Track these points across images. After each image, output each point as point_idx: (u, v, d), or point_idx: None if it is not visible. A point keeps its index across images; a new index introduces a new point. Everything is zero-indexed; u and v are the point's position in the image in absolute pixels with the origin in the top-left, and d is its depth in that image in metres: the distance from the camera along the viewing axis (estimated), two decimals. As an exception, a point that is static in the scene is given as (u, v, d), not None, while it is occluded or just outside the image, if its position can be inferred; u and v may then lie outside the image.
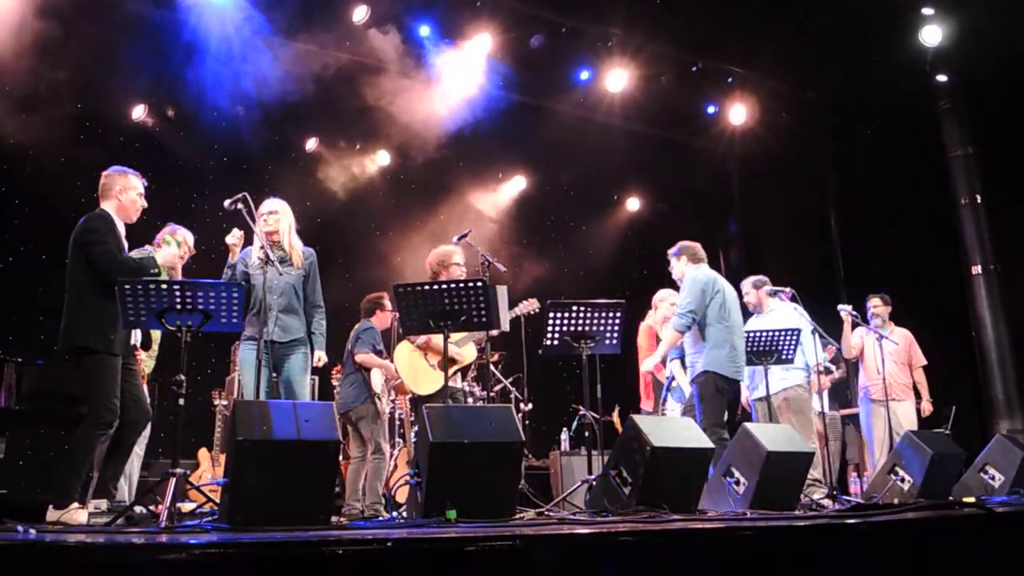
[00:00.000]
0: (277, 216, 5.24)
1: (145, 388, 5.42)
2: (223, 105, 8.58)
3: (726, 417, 5.80)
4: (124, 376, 4.53)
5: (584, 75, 10.07)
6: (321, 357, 5.21)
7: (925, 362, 7.52)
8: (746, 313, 7.12)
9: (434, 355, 5.81)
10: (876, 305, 7.57)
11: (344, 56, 9.00)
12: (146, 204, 4.86)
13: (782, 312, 6.82)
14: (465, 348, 5.73)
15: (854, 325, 7.48)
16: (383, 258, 9.50)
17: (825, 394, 7.28)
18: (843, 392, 7.82)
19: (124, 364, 4.56)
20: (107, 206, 4.68)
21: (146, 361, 5.56)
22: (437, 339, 5.61)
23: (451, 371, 5.70)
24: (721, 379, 5.78)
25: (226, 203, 4.94)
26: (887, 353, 7.28)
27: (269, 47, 8.34)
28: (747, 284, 7.08)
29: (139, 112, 8.66)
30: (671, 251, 6.41)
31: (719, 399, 5.75)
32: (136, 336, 4.94)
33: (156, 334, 5.44)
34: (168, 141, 8.63)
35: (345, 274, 9.24)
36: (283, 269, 5.10)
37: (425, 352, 5.88)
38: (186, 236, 5.42)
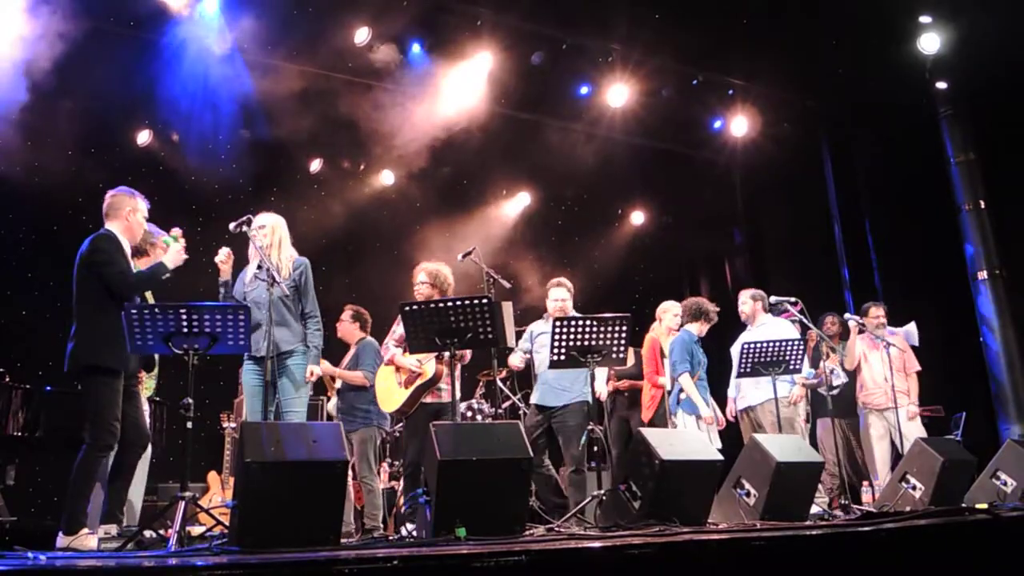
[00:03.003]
0: (265, 231, 5.27)
1: (146, 410, 5.44)
2: (227, 128, 8.66)
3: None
4: (126, 398, 4.54)
5: (585, 91, 10.10)
6: (312, 371, 5.07)
7: (919, 368, 7.48)
8: (740, 325, 7.13)
9: (402, 373, 5.86)
10: (881, 314, 7.56)
11: (347, 77, 9.07)
12: (147, 227, 4.91)
13: (774, 325, 6.83)
14: (426, 364, 5.76)
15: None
16: (388, 276, 9.52)
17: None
18: (849, 402, 7.77)
19: (127, 386, 4.57)
20: (113, 226, 4.70)
21: (146, 382, 5.56)
22: (400, 357, 5.81)
23: (412, 387, 5.73)
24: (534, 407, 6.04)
25: (231, 225, 4.98)
26: (883, 360, 7.29)
27: (273, 69, 8.42)
28: (746, 295, 7.07)
29: (144, 137, 8.73)
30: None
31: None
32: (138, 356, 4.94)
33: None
34: (173, 165, 8.69)
35: (352, 293, 9.26)
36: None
37: (397, 370, 5.91)
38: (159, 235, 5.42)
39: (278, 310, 5.09)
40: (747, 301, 7.01)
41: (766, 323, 6.90)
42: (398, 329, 6.02)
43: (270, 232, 5.26)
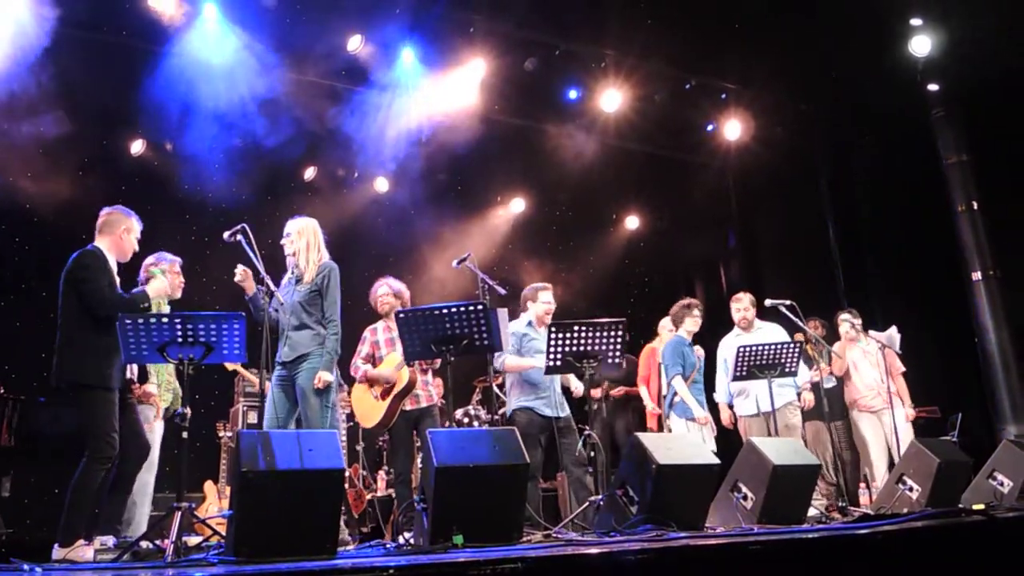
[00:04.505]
0: (291, 237, 5.31)
1: (161, 423, 5.44)
2: (221, 137, 8.65)
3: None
4: (121, 410, 4.53)
5: (578, 95, 10.10)
6: (320, 377, 5.03)
7: (904, 369, 7.51)
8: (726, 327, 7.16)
9: (377, 387, 5.86)
10: (858, 319, 7.62)
11: (340, 85, 9.07)
12: (137, 248, 4.91)
13: (770, 330, 6.85)
14: (401, 371, 5.79)
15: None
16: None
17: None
18: (838, 405, 7.79)
19: (121, 398, 4.57)
20: (103, 242, 4.70)
21: (164, 395, 5.53)
22: (372, 371, 5.90)
23: (389, 398, 5.74)
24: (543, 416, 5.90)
25: (225, 235, 4.98)
26: (872, 364, 7.31)
27: (265, 77, 8.41)
28: (747, 299, 7.06)
29: (138, 147, 8.72)
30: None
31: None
32: (132, 370, 4.94)
33: (156, 367, 5.43)
34: (167, 175, 8.67)
35: (347, 301, 9.22)
36: (294, 288, 5.18)
37: (370, 385, 5.91)
38: (172, 263, 5.43)
39: (297, 314, 5.12)
40: (749, 308, 7.00)
41: (762, 328, 6.93)
42: (363, 348, 6.06)
43: (296, 238, 5.30)
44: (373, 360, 6.02)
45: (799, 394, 6.80)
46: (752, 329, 6.96)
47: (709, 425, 6.54)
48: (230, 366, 6.57)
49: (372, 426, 5.93)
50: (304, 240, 5.30)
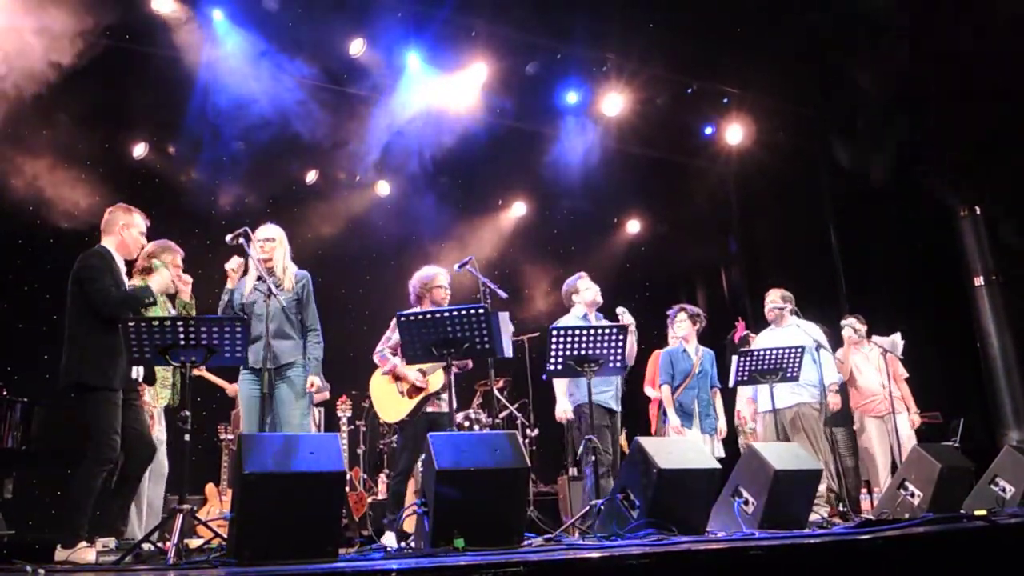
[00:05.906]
0: (273, 244, 5.31)
1: (163, 421, 5.44)
2: (223, 140, 8.66)
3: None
4: (126, 410, 4.54)
5: (581, 99, 10.11)
6: (313, 382, 5.14)
7: (907, 375, 7.50)
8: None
9: (404, 383, 5.84)
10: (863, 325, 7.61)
11: (342, 88, 9.09)
12: (146, 243, 4.92)
13: (802, 328, 6.84)
14: (432, 375, 5.77)
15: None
16: (384, 288, 9.53)
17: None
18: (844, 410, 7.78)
19: (126, 399, 4.58)
20: (107, 242, 4.73)
21: (160, 392, 5.52)
22: (403, 368, 5.74)
23: (417, 399, 5.73)
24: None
25: (227, 238, 4.99)
26: (875, 369, 7.30)
27: (267, 80, 8.42)
28: (777, 294, 7.07)
29: (140, 150, 8.73)
30: None
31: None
32: (139, 371, 4.94)
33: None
34: (170, 177, 8.69)
35: (347, 305, 9.27)
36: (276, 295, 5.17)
37: (397, 380, 5.90)
38: (175, 254, 5.38)
39: (279, 322, 5.12)
40: (777, 300, 7.03)
41: (794, 325, 6.93)
42: (394, 336, 6.00)
43: (278, 244, 5.30)
44: (398, 352, 5.96)
45: (825, 394, 6.77)
46: (784, 324, 6.96)
47: (717, 431, 6.61)
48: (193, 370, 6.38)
49: (394, 421, 5.92)
50: (282, 248, 5.35)
